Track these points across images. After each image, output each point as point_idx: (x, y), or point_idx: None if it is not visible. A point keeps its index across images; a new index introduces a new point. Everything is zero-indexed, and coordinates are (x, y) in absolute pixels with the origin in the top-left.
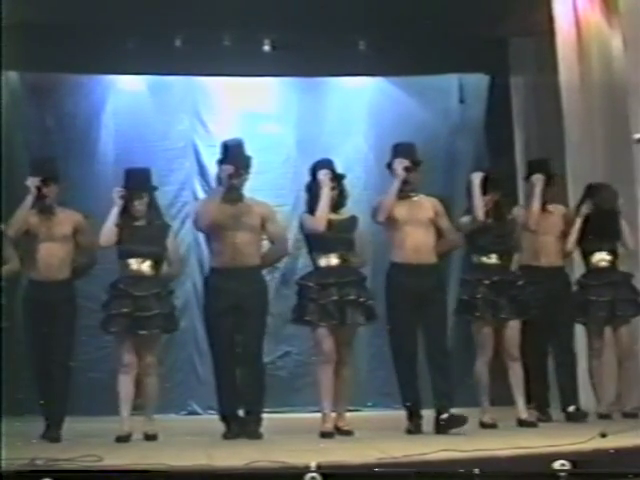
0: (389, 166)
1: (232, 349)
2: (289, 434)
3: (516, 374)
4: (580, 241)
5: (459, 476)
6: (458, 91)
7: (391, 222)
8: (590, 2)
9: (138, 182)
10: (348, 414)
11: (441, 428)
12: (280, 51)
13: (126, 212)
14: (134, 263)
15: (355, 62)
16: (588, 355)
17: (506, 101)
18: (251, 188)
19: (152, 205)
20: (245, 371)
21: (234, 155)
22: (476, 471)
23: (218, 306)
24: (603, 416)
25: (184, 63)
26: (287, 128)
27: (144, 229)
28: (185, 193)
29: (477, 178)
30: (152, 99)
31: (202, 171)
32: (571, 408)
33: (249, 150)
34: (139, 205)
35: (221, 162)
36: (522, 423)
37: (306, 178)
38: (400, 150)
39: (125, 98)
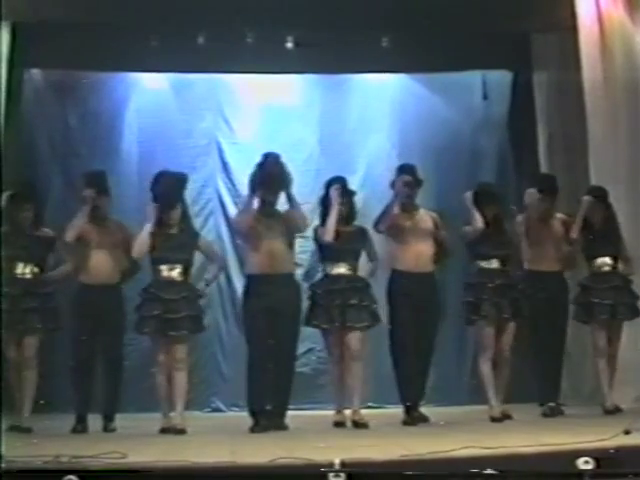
0: (393, 185)
1: (266, 348)
2: (313, 430)
3: (503, 373)
4: (584, 246)
5: (484, 475)
6: (481, 88)
7: (394, 233)
8: None
9: (174, 191)
10: (373, 411)
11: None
12: (303, 48)
13: (160, 220)
14: (165, 269)
15: (378, 59)
16: (593, 354)
17: (529, 98)
18: None
19: (185, 213)
20: (279, 369)
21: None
22: (492, 471)
23: (256, 309)
24: (610, 412)
25: (207, 61)
26: (310, 125)
27: (176, 237)
28: (208, 190)
29: (468, 197)
30: (175, 97)
31: (225, 168)
32: (550, 404)
33: (272, 147)
34: (174, 214)
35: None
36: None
37: (328, 176)
38: (403, 169)
39: (148, 96)
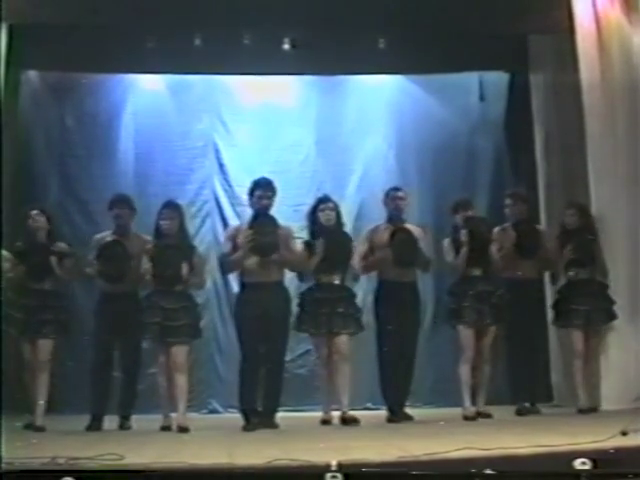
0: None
1: (257, 351)
2: (309, 431)
3: (484, 374)
4: (562, 256)
5: (481, 476)
6: (478, 89)
7: (381, 246)
8: None
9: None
10: (371, 412)
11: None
12: (300, 49)
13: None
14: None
15: (375, 60)
16: (573, 356)
17: (526, 99)
18: None
19: (182, 227)
20: (270, 370)
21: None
22: (491, 471)
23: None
24: (583, 411)
25: (204, 62)
26: (306, 127)
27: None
28: (205, 192)
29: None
30: (172, 98)
31: (222, 170)
32: (525, 404)
33: (268, 149)
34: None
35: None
36: (480, 414)
37: (325, 178)
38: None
39: (145, 97)
